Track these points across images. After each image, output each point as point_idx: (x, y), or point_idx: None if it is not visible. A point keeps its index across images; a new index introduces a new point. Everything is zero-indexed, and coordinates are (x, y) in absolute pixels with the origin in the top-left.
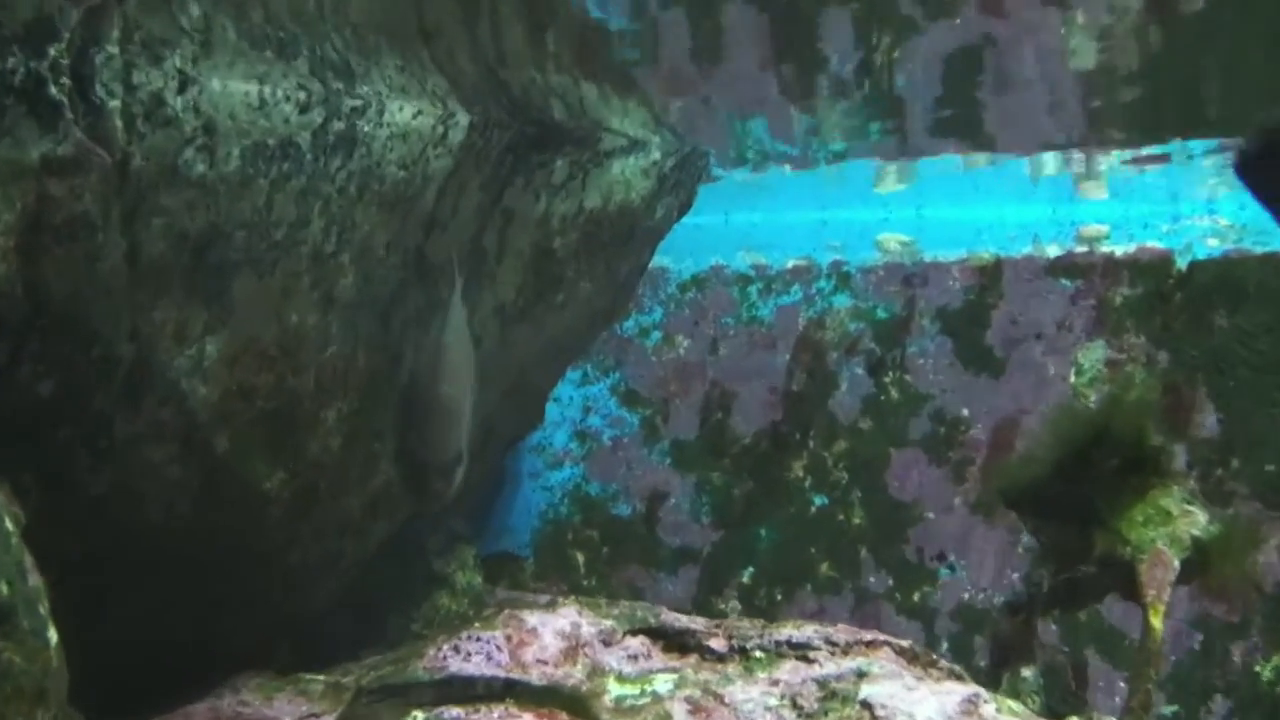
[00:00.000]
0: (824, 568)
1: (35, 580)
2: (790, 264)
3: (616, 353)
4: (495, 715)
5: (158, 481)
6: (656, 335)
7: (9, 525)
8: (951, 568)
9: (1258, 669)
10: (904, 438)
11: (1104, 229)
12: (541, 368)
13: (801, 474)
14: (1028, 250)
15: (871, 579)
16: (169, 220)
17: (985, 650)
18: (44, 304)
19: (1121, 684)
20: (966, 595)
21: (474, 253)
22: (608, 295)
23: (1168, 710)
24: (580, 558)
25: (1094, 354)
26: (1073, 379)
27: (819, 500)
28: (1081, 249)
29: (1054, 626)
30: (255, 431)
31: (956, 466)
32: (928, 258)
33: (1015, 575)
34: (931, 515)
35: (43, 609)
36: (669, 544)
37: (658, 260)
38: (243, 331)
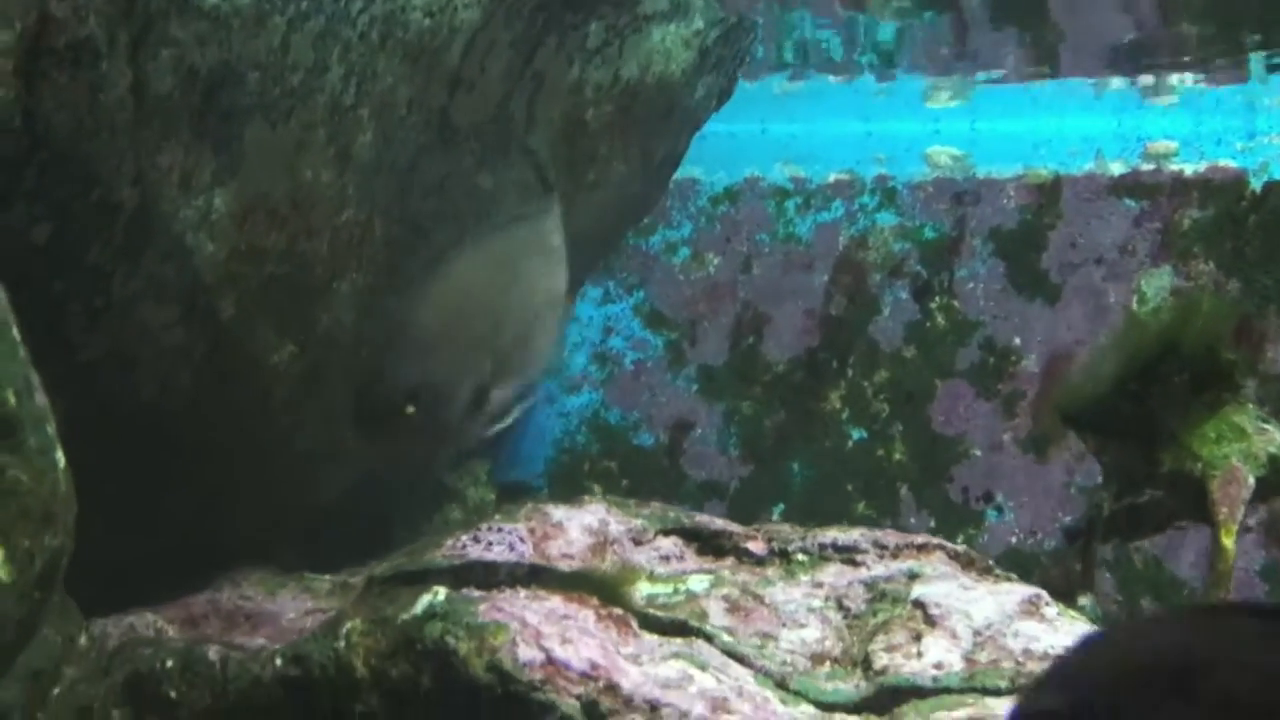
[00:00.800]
0: (860, 507)
1: (42, 400)
2: (831, 178)
3: (641, 270)
4: (521, 596)
5: (155, 349)
6: (685, 252)
7: (15, 335)
8: (999, 509)
9: None
10: (950, 368)
11: (1173, 145)
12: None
13: (838, 405)
14: (1089, 167)
15: (912, 520)
16: (179, 53)
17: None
18: (43, 137)
19: None
20: (1014, 539)
21: (500, 119)
22: (640, 183)
23: None
24: (598, 490)
25: (1159, 281)
26: (1135, 307)
27: (857, 434)
28: (1148, 167)
29: (1109, 575)
30: (263, 298)
31: (1006, 400)
32: (980, 174)
33: (1068, 519)
34: (978, 452)
35: (50, 429)
36: (694, 478)
37: (687, 170)
38: (253, 185)
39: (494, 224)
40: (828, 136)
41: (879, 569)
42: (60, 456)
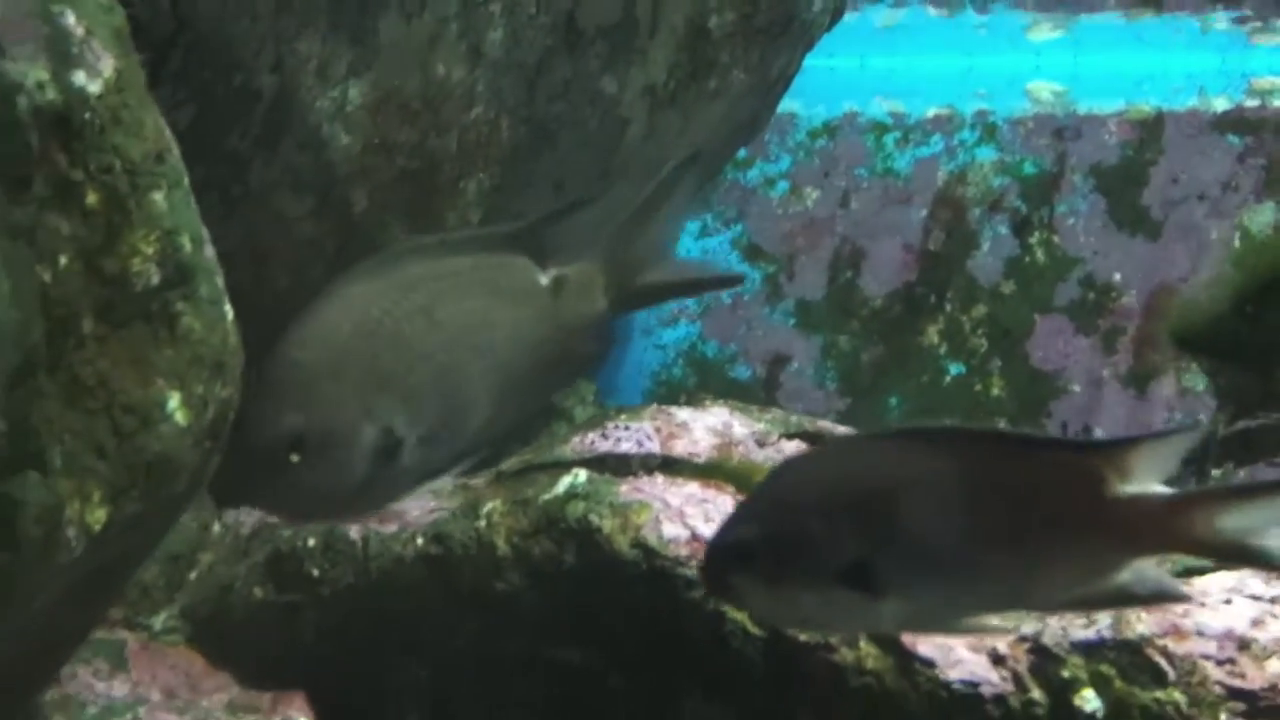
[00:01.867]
0: None
1: (212, 252)
2: (931, 113)
3: (739, 203)
4: (659, 481)
5: (289, 240)
6: (783, 186)
7: (188, 187)
8: None
9: None
10: (1049, 303)
11: (1278, 82)
12: None
13: (936, 340)
14: (1192, 103)
15: None
16: None
17: None
18: (188, 18)
19: None
20: None
21: (625, 24)
22: (755, 99)
23: None
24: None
25: (1262, 217)
26: (1237, 244)
27: (955, 369)
28: (1252, 103)
29: None
30: (394, 192)
31: (1106, 336)
32: (1082, 109)
33: None
34: (1077, 388)
35: (220, 281)
36: (790, 411)
37: (786, 104)
38: (387, 78)
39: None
40: (927, 71)
41: None
42: (229, 309)
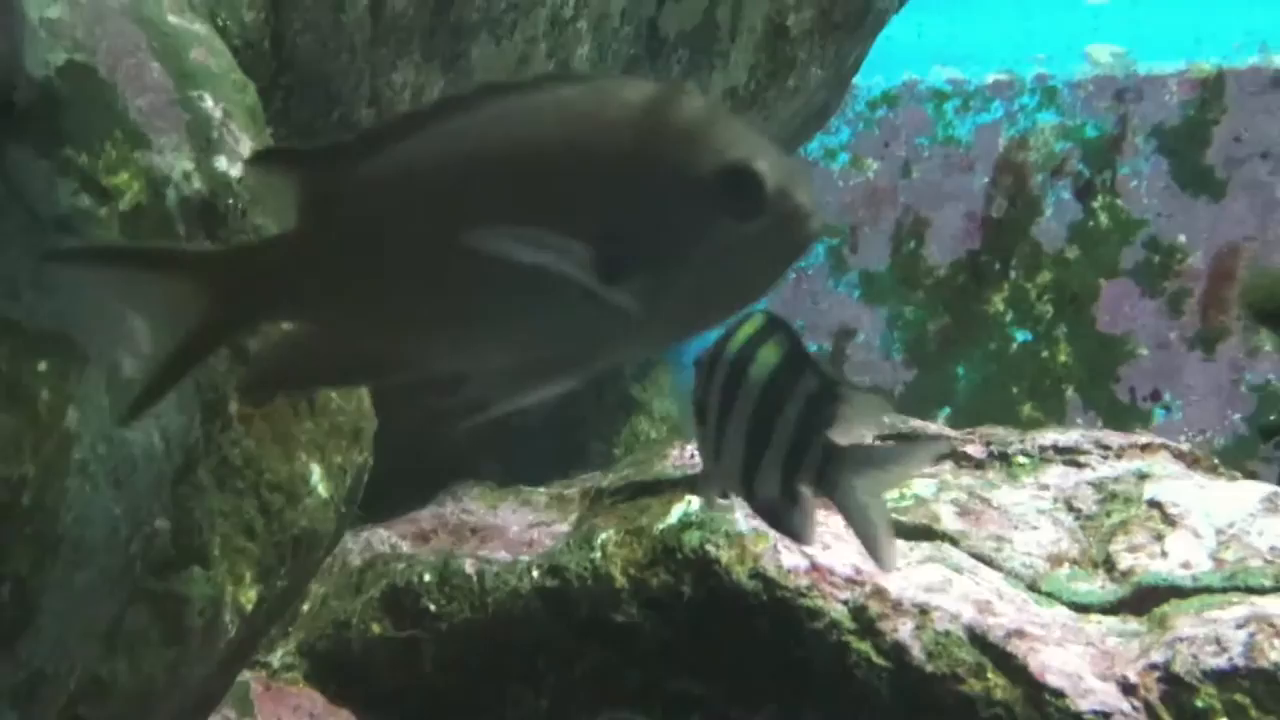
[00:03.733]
0: (1027, 408)
1: None
2: (990, 79)
3: None
4: None
5: None
6: (843, 157)
7: None
8: (1167, 408)
9: None
10: (1115, 267)
11: None
12: None
13: (1002, 307)
14: (1254, 60)
15: (1079, 420)
16: None
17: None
18: (289, 60)
19: None
20: (1184, 438)
21: (706, 28)
22: (831, 89)
23: None
24: None
25: None
26: None
27: (1021, 335)
28: None
29: None
30: None
31: (1173, 298)
32: (1142, 70)
33: (1237, 416)
34: (1145, 351)
35: None
36: (859, 384)
37: None
38: None
39: None
40: (985, 36)
41: (1104, 469)
42: None
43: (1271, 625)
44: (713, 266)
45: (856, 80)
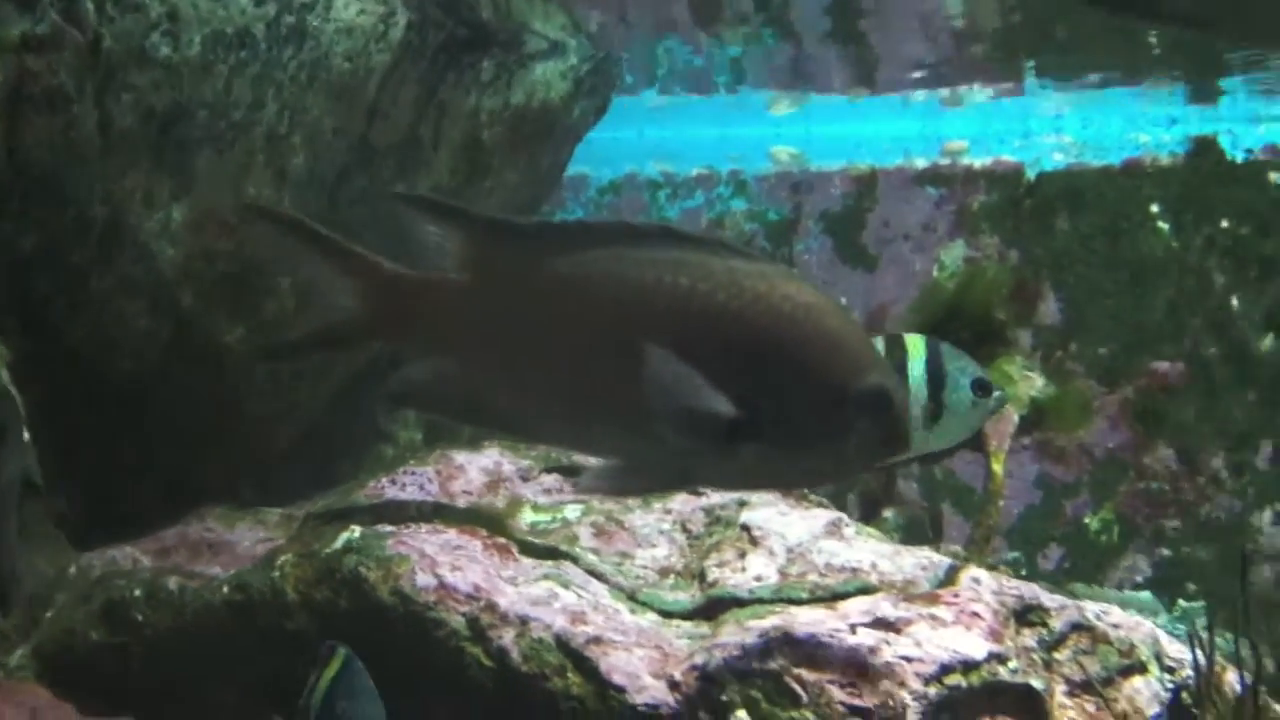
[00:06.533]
0: None
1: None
2: (694, 172)
3: None
4: (424, 530)
5: (129, 332)
6: None
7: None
8: None
9: (1087, 521)
10: None
11: (965, 144)
12: None
13: None
14: (899, 162)
15: None
16: (137, 96)
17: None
18: (25, 168)
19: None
20: None
21: (411, 141)
22: (531, 186)
23: (1011, 555)
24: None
25: (954, 252)
26: (936, 273)
27: None
28: (945, 161)
29: (915, 485)
30: (217, 291)
31: None
32: (813, 168)
33: None
34: None
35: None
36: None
37: (579, 168)
38: (204, 200)
39: None
40: (691, 139)
41: (716, 498)
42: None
43: (784, 634)
44: (819, 453)
45: (588, 171)
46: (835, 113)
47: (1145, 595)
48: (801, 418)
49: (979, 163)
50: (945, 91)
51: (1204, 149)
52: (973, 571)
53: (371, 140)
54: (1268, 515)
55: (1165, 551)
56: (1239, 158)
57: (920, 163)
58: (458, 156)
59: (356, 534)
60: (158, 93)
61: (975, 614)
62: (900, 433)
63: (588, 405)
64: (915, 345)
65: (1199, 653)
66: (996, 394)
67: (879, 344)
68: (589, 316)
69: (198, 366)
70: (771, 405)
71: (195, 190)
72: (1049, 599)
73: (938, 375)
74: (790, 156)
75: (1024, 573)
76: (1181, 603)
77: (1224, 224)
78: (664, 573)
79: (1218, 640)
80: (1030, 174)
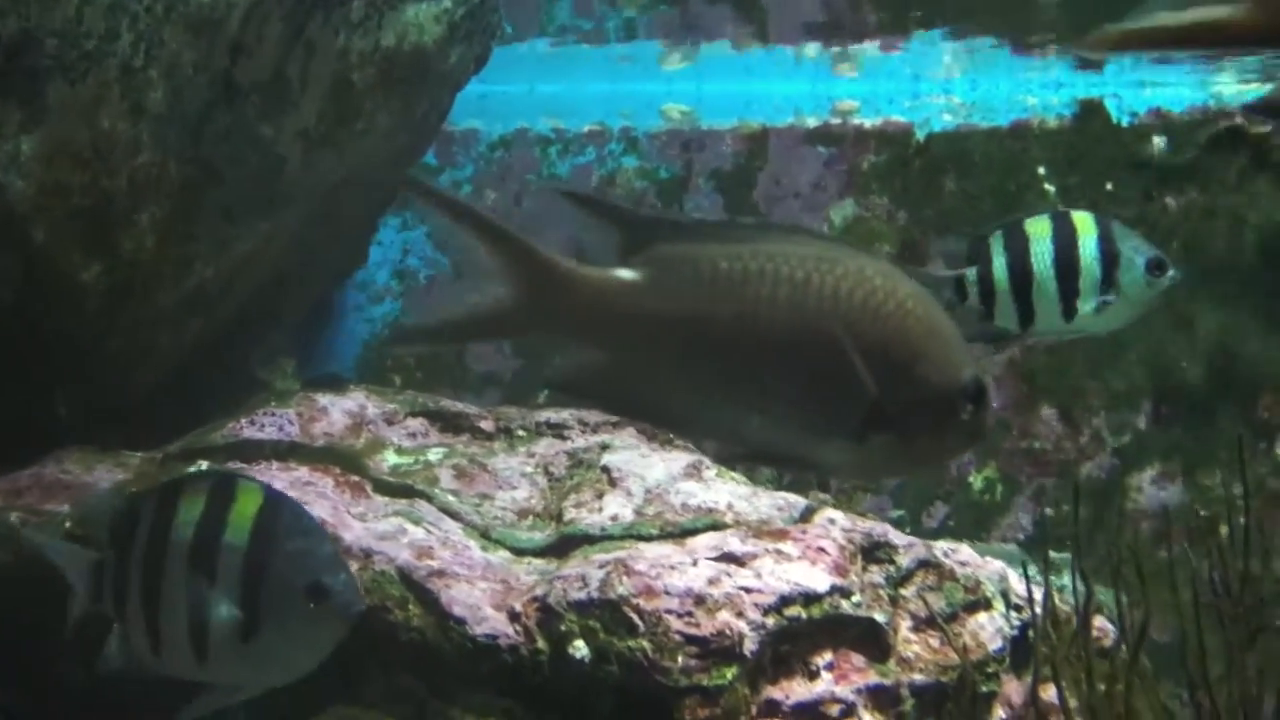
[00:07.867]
0: None
1: None
2: (585, 129)
3: None
4: (274, 467)
5: None
6: (468, 188)
7: None
8: None
9: (970, 480)
10: None
11: (855, 104)
12: (354, 200)
13: None
14: (790, 121)
15: None
16: None
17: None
18: None
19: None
20: None
21: (278, 79)
22: (407, 133)
23: (895, 514)
24: (397, 379)
25: (844, 211)
26: (826, 231)
27: None
28: (836, 121)
29: None
30: (71, 226)
31: None
32: (704, 126)
33: None
34: None
35: None
36: (476, 370)
37: (470, 123)
38: (56, 133)
39: None
40: (582, 94)
41: (580, 441)
42: None
43: (625, 566)
44: (930, 442)
45: (480, 126)
46: (726, 70)
47: (1011, 547)
48: (922, 409)
49: (869, 122)
50: (837, 49)
51: (1090, 112)
52: (828, 513)
53: (235, 78)
54: (1148, 475)
55: (1048, 511)
56: (1124, 122)
57: (811, 121)
58: (327, 97)
59: (203, 469)
60: (3, 20)
61: (821, 549)
62: (989, 423)
63: (747, 397)
64: (1084, 223)
65: (1035, 589)
66: (1170, 273)
67: (1047, 222)
68: (759, 311)
69: (53, 304)
70: (902, 397)
71: (47, 122)
72: (898, 537)
73: (1110, 254)
74: (681, 114)
75: (908, 530)
76: (1052, 554)
77: (1109, 186)
78: (523, 514)
79: (1100, 594)
80: (919, 134)
